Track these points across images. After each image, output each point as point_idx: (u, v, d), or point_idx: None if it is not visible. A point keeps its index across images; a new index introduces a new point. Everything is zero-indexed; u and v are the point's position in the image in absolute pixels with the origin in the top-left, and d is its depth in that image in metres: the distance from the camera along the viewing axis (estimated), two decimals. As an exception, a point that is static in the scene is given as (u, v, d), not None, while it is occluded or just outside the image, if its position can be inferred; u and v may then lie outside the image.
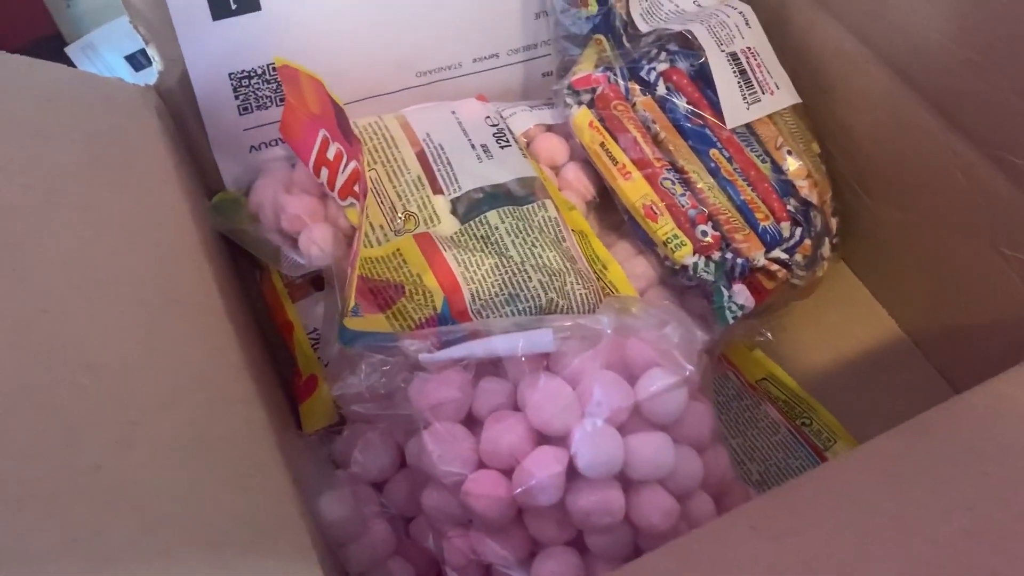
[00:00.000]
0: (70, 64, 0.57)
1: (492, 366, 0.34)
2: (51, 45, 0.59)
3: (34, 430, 0.26)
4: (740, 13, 0.45)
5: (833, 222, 0.45)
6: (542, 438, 0.32)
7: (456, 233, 0.40)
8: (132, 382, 0.29)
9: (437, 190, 0.41)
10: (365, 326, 0.35)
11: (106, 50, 0.57)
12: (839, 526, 0.26)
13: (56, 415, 0.27)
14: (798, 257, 0.42)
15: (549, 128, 0.47)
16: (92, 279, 0.32)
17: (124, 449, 0.27)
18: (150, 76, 0.43)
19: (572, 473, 0.31)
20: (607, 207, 0.45)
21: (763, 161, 0.43)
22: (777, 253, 0.42)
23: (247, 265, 0.47)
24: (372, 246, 0.40)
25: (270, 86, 0.44)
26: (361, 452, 0.36)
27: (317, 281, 0.46)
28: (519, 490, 0.30)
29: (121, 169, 0.37)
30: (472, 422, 0.33)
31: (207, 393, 0.31)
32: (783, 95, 0.44)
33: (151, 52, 0.42)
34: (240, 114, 0.45)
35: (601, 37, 0.44)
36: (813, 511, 0.27)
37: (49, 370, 0.28)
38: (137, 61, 0.56)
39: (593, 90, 0.43)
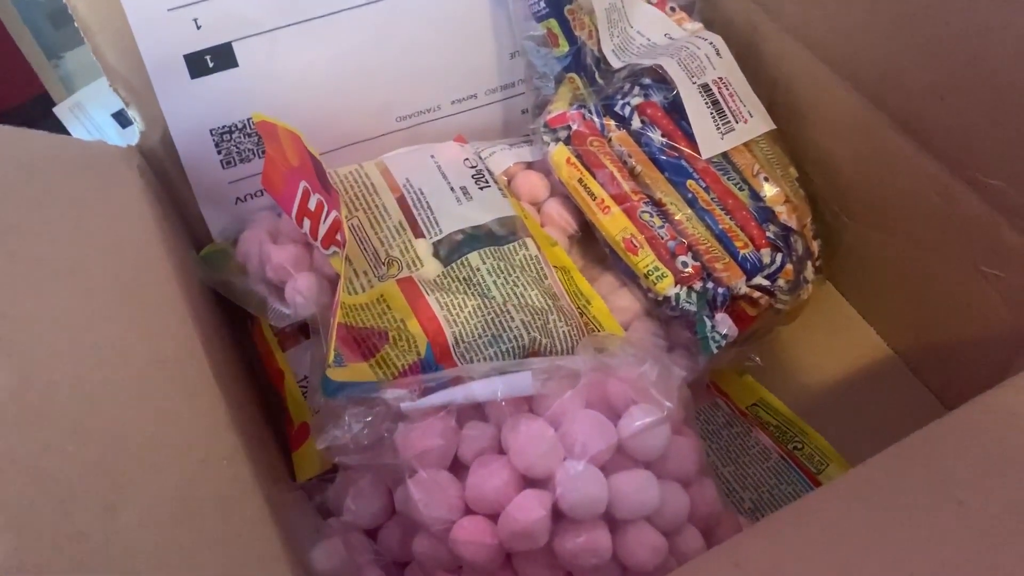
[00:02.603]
0: (59, 123, 0.58)
1: (476, 409, 0.34)
2: (40, 105, 0.60)
3: (21, 499, 0.26)
4: (711, 44, 0.45)
5: (815, 245, 0.45)
6: (527, 481, 0.32)
7: (439, 276, 0.40)
8: (118, 446, 0.30)
9: (419, 234, 0.42)
10: (348, 376, 0.35)
11: (93, 108, 0.58)
12: (821, 561, 0.26)
13: (43, 484, 0.27)
14: (781, 282, 0.43)
15: (529, 165, 0.47)
16: (79, 345, 0.32)
17: (110, 515, 0.27)
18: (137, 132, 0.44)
19: (558, 515, 0.31)
20: (591, 240, 0.46)
21: (740, 189, 0.43)
22: (758, 280, 0.42)
23: (241, 314, 0.48)
24: (356, 293, 0.40)
25: (251, 139, 0.45)
26: (353, 500, 0.36)
27: (307, 328, 0.46)
28: (505, 535, 0.31)
29: (105, 232, 0.37)
30: (459, 467, 0.34)
31: (193, 454, 0.31)
32: (757, 123, 0.45)
33: (132, 113, 0.43)
34: (223, 168, 0.46)
35: (574, 75, 0.45)
36: (795, 545, 0.27)
37: (36, 439, 0.28)
38: (124, 118, 0.57)
39: (569, 127, 0.44)
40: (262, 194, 0.47)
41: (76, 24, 0.40)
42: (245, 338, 0.48)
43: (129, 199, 0.41)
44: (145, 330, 0.35)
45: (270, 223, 0.45)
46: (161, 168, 0.45)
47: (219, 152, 0.45)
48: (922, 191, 0.41)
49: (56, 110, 0.58)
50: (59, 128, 0.58)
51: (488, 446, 0.33)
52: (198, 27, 0.42)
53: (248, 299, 0.43)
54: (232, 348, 0.45)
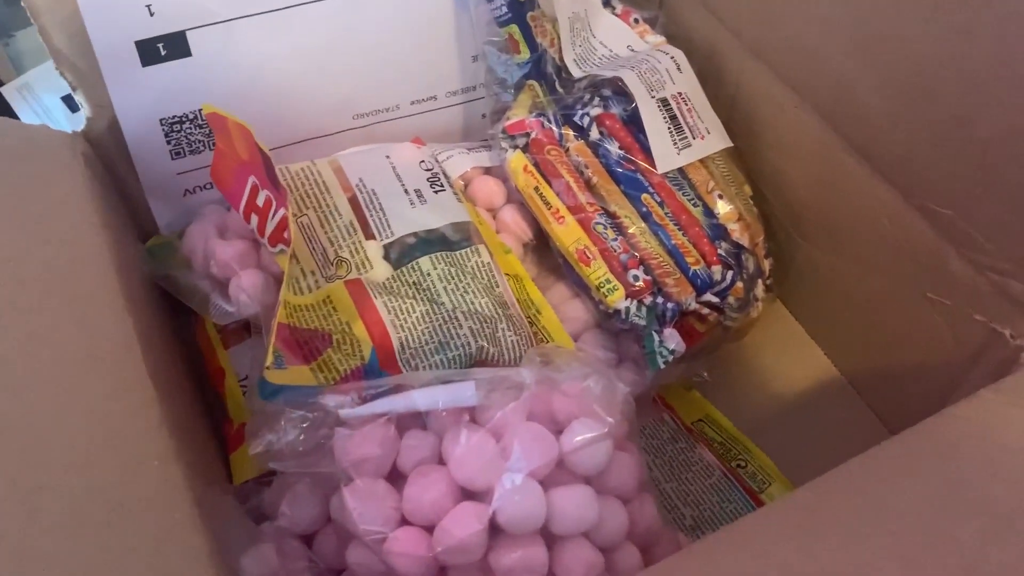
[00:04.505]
0: (6, 104, 0.57)
1: (417, 418, 0.34)
2: (-13, 84, 0.58)
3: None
4: (672, 58, 0.45)
5: (766, 264, 0.46)
6: (465, 493, 0.32)
7: (388, 279, 0.40)
8: (42, 445, 0.29)
9: (369, 235, 0.41)
10: (288, 379, 0.35)
11: (42, 90, 0.56)
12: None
13: (-41, 481, 0.26)
14: (731, 299, 0.43)
15: (487, 170, 0.47)
16: (7, 336, 0.31)
17: (30, 516, 0.27)
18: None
19: (495, 529, 0.31)
20: (545, 249, 0.45)
21: (695, 205, 0.43)
22: (708, 297, 0.42)
23: (185, 309, 0.46)
24: (302, 293, 0.39)
25: (203, 130, 0.44)
26: (288, 505, 0.35)
27: (252, 325, 0.45)
28: (440, 549, 0.30)
29: (43, 221, 0.36)
30: (397, 476, 0.33)
31: (121, 454, 0.30)
32: (714, 139, 0.45)
33: (79, 98, 0.42)
34: (172, 158, 0.45)
35: (534, 83, 0.44)
36: (730, 570, 0.27)
37: (-46, 434, 0.27)
38: (73, 102, 0.56)
39: (527, 135, 0.44)
40: (211, 187, 0.46)
41: (23, 3, 0.39)
42: (188, 334, 0.47)
43: (71, 187, 0.39)
44: (79, 323, 0.33)
45: (218, 217, 0.44)
46: (108, 156, 0.44)
47: (169, 142, 0.44)
48: (874, 216, 0.41)
49: (3, 90, 0.57)
50: (6, 109, 0.57)
51: (428, 456, 0.33)
52: (151, 13, 0.41)
53: (191, 295, 0.42)
54: (173, 344, 0.44)
